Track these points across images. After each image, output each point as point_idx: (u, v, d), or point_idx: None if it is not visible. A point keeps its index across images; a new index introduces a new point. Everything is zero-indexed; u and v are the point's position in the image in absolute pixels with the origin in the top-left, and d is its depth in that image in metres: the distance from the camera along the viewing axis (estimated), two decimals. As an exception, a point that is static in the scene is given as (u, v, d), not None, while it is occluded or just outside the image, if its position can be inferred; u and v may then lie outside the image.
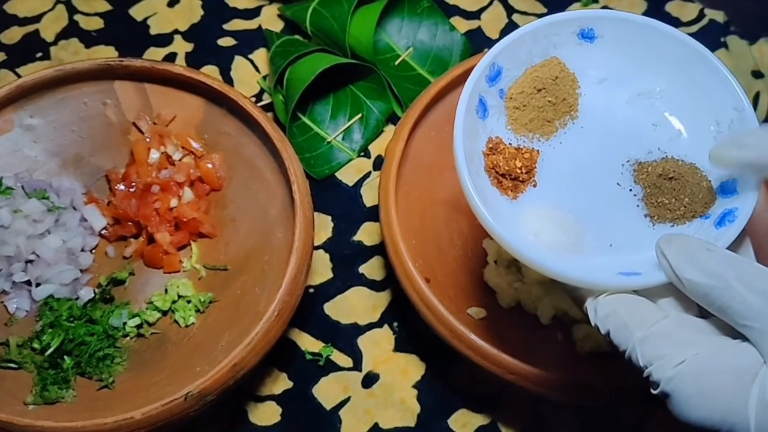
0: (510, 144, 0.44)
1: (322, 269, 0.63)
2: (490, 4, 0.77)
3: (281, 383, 0.58)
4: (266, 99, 0.71)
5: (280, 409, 0.57)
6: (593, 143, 0.45)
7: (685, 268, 0.36)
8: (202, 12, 0.76)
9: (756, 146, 0.38)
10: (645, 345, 0.36)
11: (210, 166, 0.62)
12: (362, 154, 0.69)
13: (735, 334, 0.35)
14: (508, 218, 0.40)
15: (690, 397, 0.34)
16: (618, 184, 0.44)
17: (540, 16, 0.76)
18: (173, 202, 0.61)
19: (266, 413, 0.57)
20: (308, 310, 0.61)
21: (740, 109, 0.42)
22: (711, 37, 0.73)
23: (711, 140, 0.43)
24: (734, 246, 0.39)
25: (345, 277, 0.63)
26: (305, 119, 0.69)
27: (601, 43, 0.45)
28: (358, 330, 0.60)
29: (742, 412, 0.33)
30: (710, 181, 0.43)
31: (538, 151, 0.44)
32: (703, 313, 0.37)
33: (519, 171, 0.43)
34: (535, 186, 0.43)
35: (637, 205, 0.43)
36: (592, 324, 0.38)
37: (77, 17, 0.75)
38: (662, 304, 0.38)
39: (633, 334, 0.36)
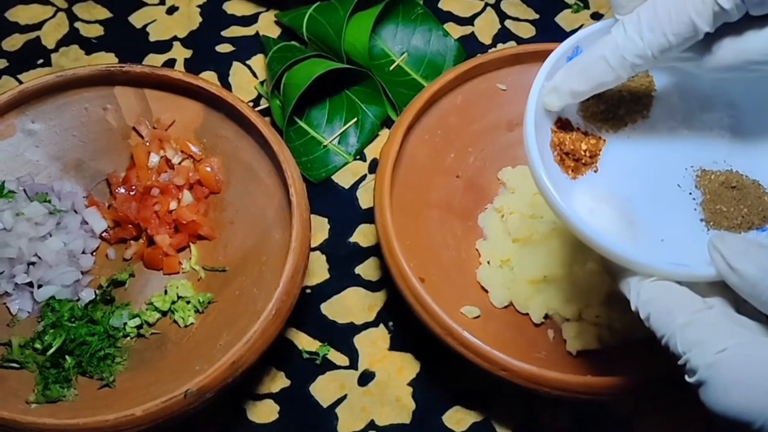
0: (578, 128, 0.45)
1: (319, 270, 0.64)
2: (483, 10, 0.79)
3: (279, 382, 0.59)
4: (264, 104, 0.72)
5: (277, 407, 0.58)
6: (660, 144, 0.46)
7: (737, 259, 0.36)
8: (200, 19, 0.77)
9: None
10: (686, 331, 0.35)
11: (209, 169, 0.63)
12: (358, 157, 0.70)
13: None
14: (564, 194, 0.41)
15: (728, 386, 0.33)
16: (678, 185, 0.44)
17: (532, 22, 0.78)
18: (173, 205, 0.62)
19: (264, 411, 0.58)
20: (305, 310, 0.62)
21: None
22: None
23: None
24: None
25: (341, 277, 0.64)
26: (302, 123, 0.70)
27: None
28: (354, 329, 0.61)
29: None
30: None
31: (604, 140, 0.45)
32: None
33: (583, 153, 0.44)
34: (596, 171, 0.44)
35: (695, 209, 0.44)
36: (633, 307, 0.38)
37: (78, 24, 0.77)
38: (708, 302, 0.37)
39: (675, 320, 0.36)
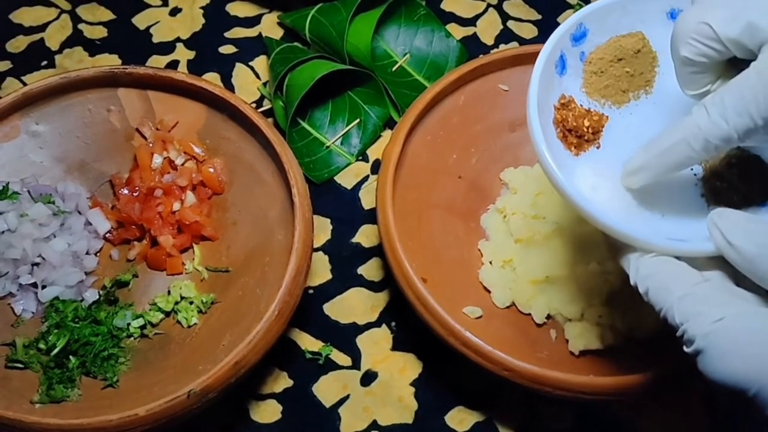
0: (581, 105, 0.45)
1: (322, 270, 0.64)
2: (485, 11, 0.79)
3: (282, 382, 0.59)
4: (266, 105, 0.72)
5: (280, 407, 0.58)
6: (663, 119, 0.46)
7: (735, 234, 0.37)
8: (203, 20, 0.78)
9: None
10: (684, 302, 0.36)
11: (212, 170, 0.63)
12: (360, 158, 0.70)
13: None
14: (567, 170, 0.41)
15: (724, 354, 0.34)
16: None
17: (534, 22, 0.78)
18: (176, 206, 0.62)
19: (267, 411, 0.58)
20: (308, 310, 0.62)
21: None
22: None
23: None
24: None
25: (344, 278, 0.64)
26: (305, 124, 0.70)
27: None
28: (356, 329, 0.62)
29: None
30: None
31: (607, 116, 0.45)
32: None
33: (585, 130, 0.44)
34: (598, 147, 0.45)
35: (696, 184, 0.44)
36: (632, 282, 0.39)
37: (81, 26, 0.77)
38: (706, 275, 0.38)
39: (672, 293, 0.37)
